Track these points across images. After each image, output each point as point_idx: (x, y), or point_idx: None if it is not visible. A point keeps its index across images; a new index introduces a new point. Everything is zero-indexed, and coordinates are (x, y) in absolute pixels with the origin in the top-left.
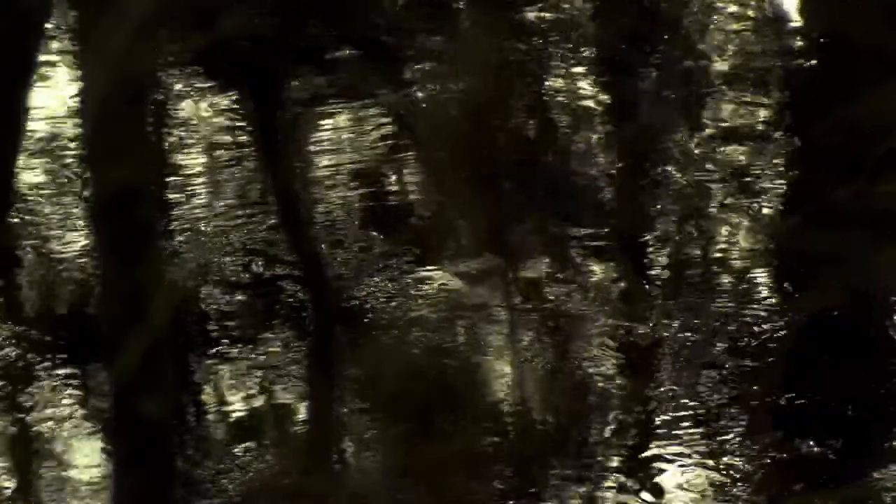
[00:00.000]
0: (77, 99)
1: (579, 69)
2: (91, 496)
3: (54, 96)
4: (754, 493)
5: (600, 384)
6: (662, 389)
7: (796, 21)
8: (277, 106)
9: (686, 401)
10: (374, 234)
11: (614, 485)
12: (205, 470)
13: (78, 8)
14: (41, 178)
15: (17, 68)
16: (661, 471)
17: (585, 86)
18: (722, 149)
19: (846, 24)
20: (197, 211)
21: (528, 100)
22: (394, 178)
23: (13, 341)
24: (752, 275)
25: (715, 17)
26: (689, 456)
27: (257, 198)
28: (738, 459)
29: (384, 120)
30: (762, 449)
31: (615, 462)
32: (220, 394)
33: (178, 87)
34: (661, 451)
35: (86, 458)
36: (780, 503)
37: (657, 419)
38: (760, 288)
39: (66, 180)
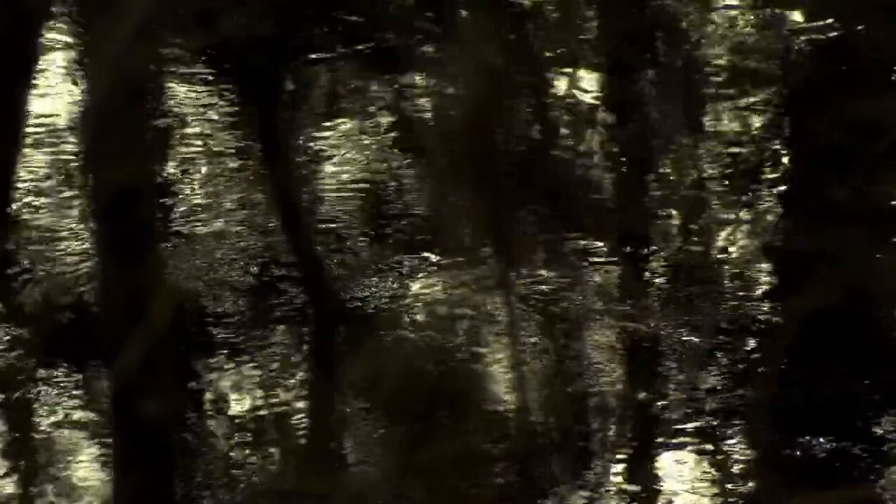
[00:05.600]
0: (77, 99)
1: (580, 69)
2: (91, 496)
3: (54, 96)
4: (756, 493)
5: (600, 384)
6: (663, 389)
7: (796, 20)
8: (277, 106)
9: (687, 401)
10: (375, 234)
11: (615, 485)
12: (205, 470)
13: (78, 8)
14: (41, 179)
15: (17, 68)
16: (663, 471)
17: (586, 86)
18: (721, 148)
19: (846, 24)
20: (197, 212)
21: (528, 100)
22: (394, 178)
23: (13, 342)
24: (751, 274)
25: (715, 16)
26: (690, 456)
27: (258, 198)
28: (739, 459)
29: (384, 120)
30: (763, 449)
31: (616, 462)
32: (220, 394)
33: (178, 87)
34: (663, 451)
35: (86, 458)
36: (781, 503)
37: (658, 419)
38: (760, 287)
39: (66, 180)
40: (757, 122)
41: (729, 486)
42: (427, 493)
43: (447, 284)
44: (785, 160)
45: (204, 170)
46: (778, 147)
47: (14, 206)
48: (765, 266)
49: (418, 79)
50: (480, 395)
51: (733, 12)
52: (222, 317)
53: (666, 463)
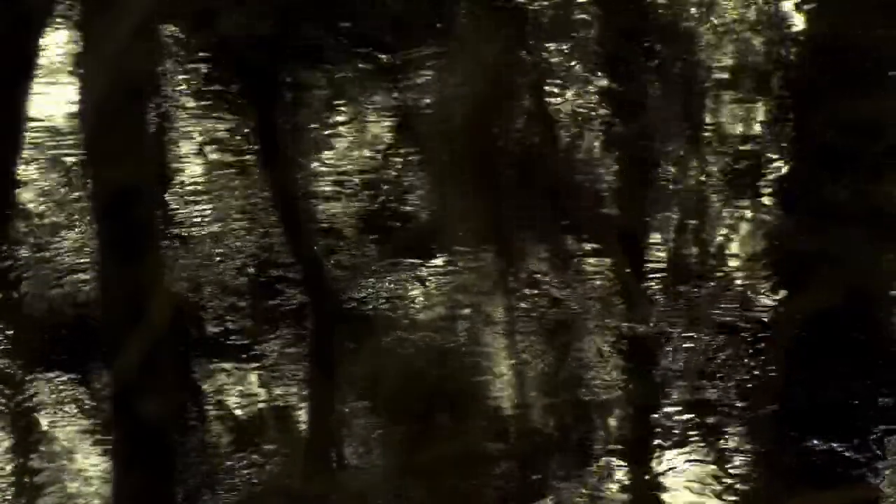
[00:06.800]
0: (77, 99)
1: (579, 69)
2: (91, 496)
3: (55, 97)
4: (756, 494)
5: (600, 384)
6: (663, 389)
7: (796, 21)
8: (277, 106)
9: (687, 401)
10: (374, 234)
11: (615, 485)
12: (205, 470)
13: (78, 8)
14: (41, 179)
15: (17, 68)
16: (663, 471)
17: (585, 86)
18: (722, 149)
19: (846, 24)
20: (196, 212)
21: (528, 100)
22: (394, 178)
23: (13, 342)
24: (752, 274)
25: (715, 16)
26: (690, 456)
27: (257, 199)
28: (740, 460)
29: (384, 120)
30: (764, 449)
31: (616, 462)
32: (220, 394)
33: (178, 87)
34: (663, 451)
35: (86, 459)
36: (781, 503)
37: (658, 419)
38: (760, 287)
39: (65, 180)
40: (757, 122)
41: (729, 486)
42: (427, 493)
43: (447, 284)
44: (786, 160)
45: (203, 170)
46: (779, 147)
47: (13, 206)
48: (766, 267)
49: (418, 78)
50: (480, 395)
51: (734, 12)
52: (222, 317)
53: (666, 463)
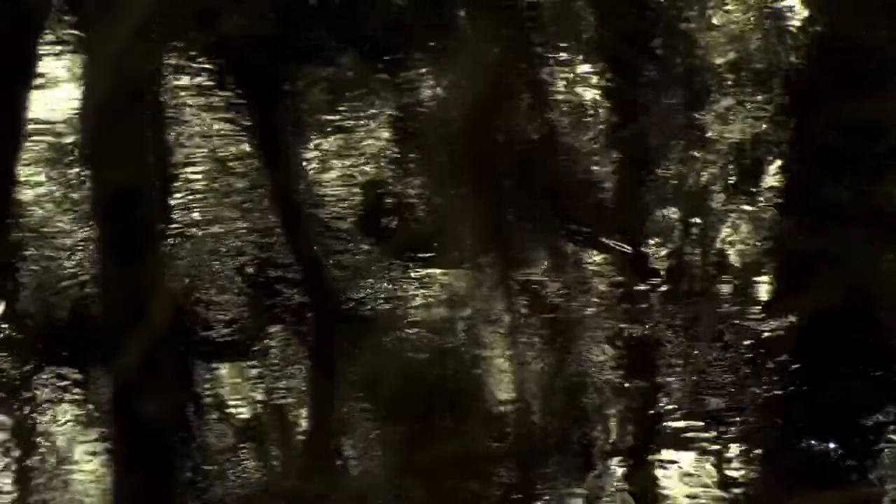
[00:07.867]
0: (77, 100)
1: (580, 69)
2: (91, 497)
3: (55, 97)
4: (756, 493)
5: (600, 385)
6: (663, 390)
7: (796, 21)
8: (277, 106)
9: (687, 401)
10: (374, 234)
11: (615, 485)
12: (205, 471)
13: (78, 8)
14: (41, 179)
15: (17, 68)
16: (663, 471)
17: (586, 86)
18: (722, 148)
19: (846, 24)
20: (197, 212)
21: (528, 100)
22: (394, 178)
23: (14, 342)
24: (752, 274)
25: (715, 16)
26: (690, 456)
27: (258, 199)
28: (740, 460)
29: (384, 120)
30: (763, 449)
31: (616, 463)
32: (220, 394)
33: (178, 87)
34: (663, 451)
35: (86, 458)
36: (781, 503)
37: (658, 420)
38: (760, 287)
39: (66, 181)
40: (758, 122)
41: (729, 486)
42: (427, 493)
43: (447, 285)
44: (786, 161)
45: (203, 170)
46: (779, 148)
47: (14, 206)
48: (766, 267)
49: (418, 78)
50: (480, 395)
51: (734, 13)
52: (222, 317)
53: (666, 463)
